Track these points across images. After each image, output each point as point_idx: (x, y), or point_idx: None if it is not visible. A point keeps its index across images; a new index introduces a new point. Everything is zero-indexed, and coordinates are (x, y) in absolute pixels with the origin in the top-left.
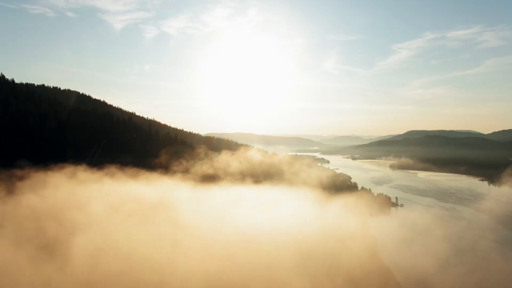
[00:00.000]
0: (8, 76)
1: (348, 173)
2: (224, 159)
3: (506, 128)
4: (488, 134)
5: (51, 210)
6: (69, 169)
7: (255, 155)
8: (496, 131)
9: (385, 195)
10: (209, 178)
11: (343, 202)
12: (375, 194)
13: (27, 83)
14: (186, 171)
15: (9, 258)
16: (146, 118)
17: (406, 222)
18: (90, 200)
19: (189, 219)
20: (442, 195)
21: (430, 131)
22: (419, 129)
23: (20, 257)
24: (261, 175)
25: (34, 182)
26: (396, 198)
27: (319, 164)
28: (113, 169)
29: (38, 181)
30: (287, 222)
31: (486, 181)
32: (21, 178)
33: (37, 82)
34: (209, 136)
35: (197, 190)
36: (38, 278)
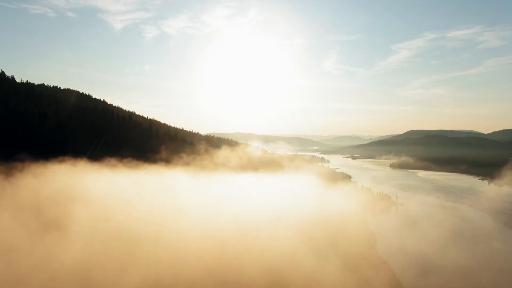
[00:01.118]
0: (8, 74)
1: (348, 172)
2: (224, 154)
3: (506, 128)
4: (488, 134)
5: (51, 191)
6: (69, 162)
7: (255, 152)
8: (496, 131)
9: (385, 193)
10: (210, 170)
11: (342, 192)
12: (375, 193)
13: (27, 80)
14: (186, 165)
15: (9, 230)
16: (146, 117)
17: (405, 220)
18: (90, 184)
19: (189, 201)
20: (442, 193)
21: (430, 131)
22: (419, 129)
23: (20, 229)
24: (261, 170)
25: (34, 170)
26: (396, 196)
27: (319, 164)
28: (113, 161)
29: (38, 170)
30: (288, 205)
31: (486, 180)
32: (21, 170)
33: (37, 81)
34: (209, 136)
35: (197, 178)
36: (37, 245)
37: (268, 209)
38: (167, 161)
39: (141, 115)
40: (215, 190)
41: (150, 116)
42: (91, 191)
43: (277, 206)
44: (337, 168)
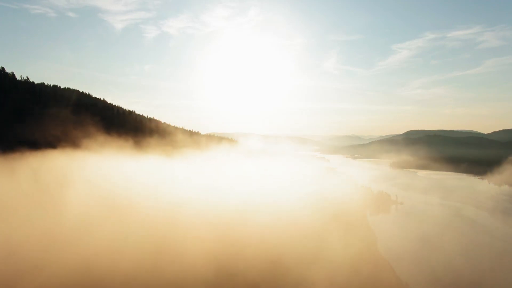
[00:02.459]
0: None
1: (348, 171)
2: (225, 149)
3: (506, 128)
4: (488, 133)
5: (49, 170)
6: (68, 152)
7: (254, 148)
8: (496, 130)
9: (385, 192)
10: (209, 163)
11: (342, 190)
12: (375, 192)
13: (27, 77)
14: (186, 157)
15: (8, 198)
16: (146, 116)
17: (405, 218)
18: (88, 167)
19: (189, 186)
20: (442, 192)
21: (430, 130)
22: (419, 129)
23: (18, 196)
24: (261, 165)
25: (34, 156)
26: (396, 195)
27: (319, 163)
28: (112, 152)
29: (37, 158)
30: (287, 197)
31: (486, 179)
32: (20, 159)
33: (37, 81)
34: (210, 135)
35: (197, 168)
36: (34, 212)
37: (268, 200)
38: (167, 153)
39: (141, 114)
40: (215, 178)
41: (150, 116)
42: (89, 172)
43: (276, 197)
44: (337, 168)
